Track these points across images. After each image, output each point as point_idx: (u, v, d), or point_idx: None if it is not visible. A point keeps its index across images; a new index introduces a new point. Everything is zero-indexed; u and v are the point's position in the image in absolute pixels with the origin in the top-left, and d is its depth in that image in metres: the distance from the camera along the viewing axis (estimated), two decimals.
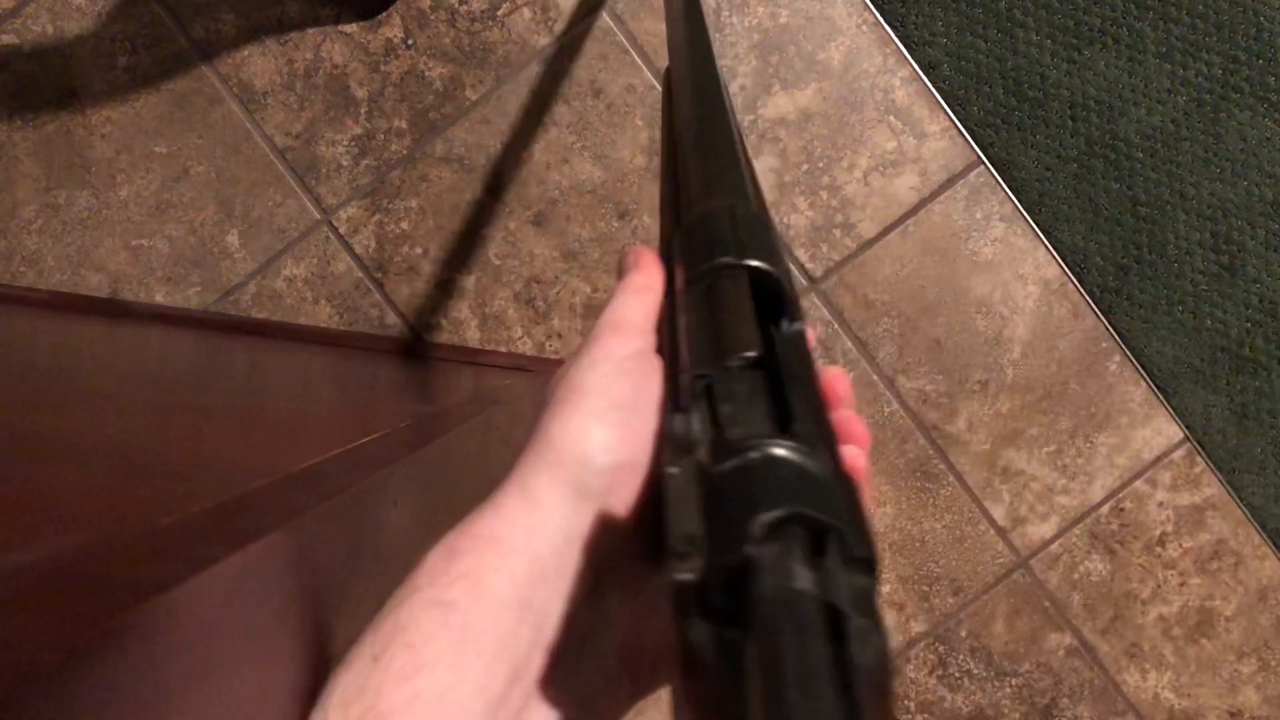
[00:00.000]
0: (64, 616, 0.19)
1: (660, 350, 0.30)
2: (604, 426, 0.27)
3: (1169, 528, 1.07)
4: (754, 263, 0.29)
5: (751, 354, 0.26)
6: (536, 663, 0.25)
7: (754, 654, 0.17)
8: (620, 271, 0.34)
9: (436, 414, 0.68)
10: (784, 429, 0.24)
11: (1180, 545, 1.07)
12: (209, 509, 0.28)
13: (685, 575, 0.19)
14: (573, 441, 0.27)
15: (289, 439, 0.51)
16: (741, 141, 0.39)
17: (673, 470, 0.22)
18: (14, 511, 0.28)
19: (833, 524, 0.20)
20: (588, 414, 0.27)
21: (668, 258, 0.33)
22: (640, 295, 0.32)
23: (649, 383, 0.28)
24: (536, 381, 0.98)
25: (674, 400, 0.27)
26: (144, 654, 0.20)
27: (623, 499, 0.27)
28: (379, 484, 0.38)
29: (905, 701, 1.09)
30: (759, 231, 0.31)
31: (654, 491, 0.27)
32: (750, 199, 0.33)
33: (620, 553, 0.27)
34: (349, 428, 0.59)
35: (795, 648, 0.17)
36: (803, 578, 0.19)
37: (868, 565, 0.20)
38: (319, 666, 0.28)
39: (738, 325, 0.27)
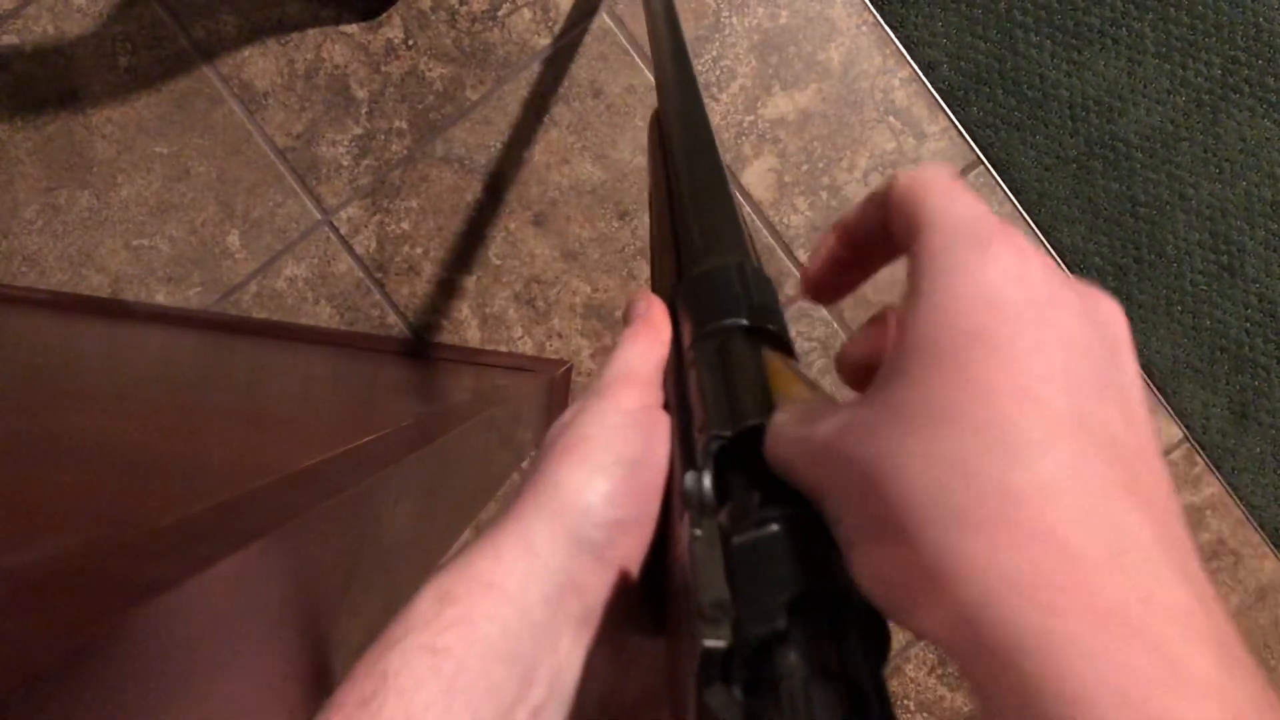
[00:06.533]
0: (64, 616, 0.19)
1: (666, 405, 0.31)
2: (609, 480, 0.27)
3: None
4: (768, 326, 0.30)
5: (764, 421, 0.26)
6: (521, 715, 0.25)
7: None
8: (627, 318, 0.34)
9: (437, 414, 0.68)
10: (797, 498, 0.24)
11: None
12: (209, 509, 0.28)
13: (716, 642, 0.19)
14: (576, 492, 0.27)
15: (290, 439, 0.51)
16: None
17: (697, 533, 0.22)
18: (14, 511, 0.28)
19: (858, 603, 0.20)
20: (594, 466, 0.27)
21: (671, 305, 0.34)
22: (649, 346, 0.32)
23: (656, 439, 0.29)
24: (537, 381, 0.98)
25: (688, 458, 0.27)
26: (144, 653, 0.20)
27: (620, 554, 0.27)
28: (380, 483, 0.38)
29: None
30: (767, 292, 0.31)
31: (654, 549, 0.28)
32: (751, 254, 0.34)
33: (611, 607, 0.27)
34: (350, 427, 0.59)
35: None
36: (830, 656, 0.19)
37: (882, 646, 0.20)
38: (319, 665, 0.28)
39: (752, 391, 0.27)
